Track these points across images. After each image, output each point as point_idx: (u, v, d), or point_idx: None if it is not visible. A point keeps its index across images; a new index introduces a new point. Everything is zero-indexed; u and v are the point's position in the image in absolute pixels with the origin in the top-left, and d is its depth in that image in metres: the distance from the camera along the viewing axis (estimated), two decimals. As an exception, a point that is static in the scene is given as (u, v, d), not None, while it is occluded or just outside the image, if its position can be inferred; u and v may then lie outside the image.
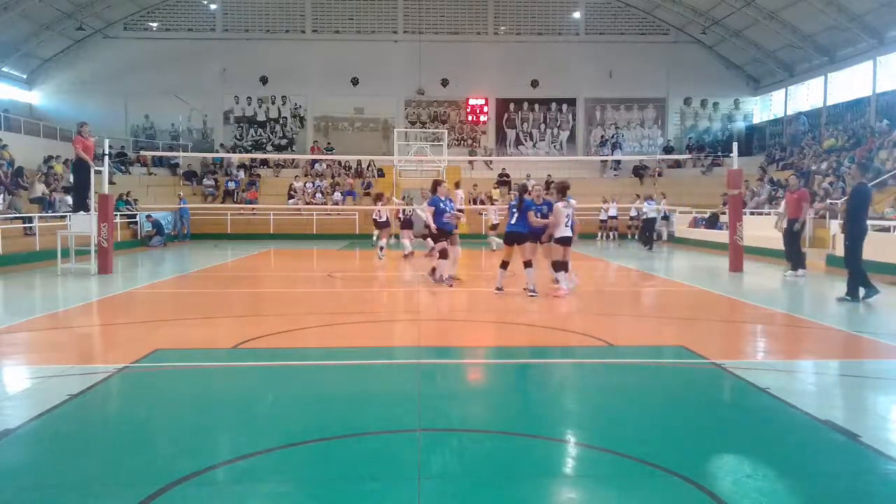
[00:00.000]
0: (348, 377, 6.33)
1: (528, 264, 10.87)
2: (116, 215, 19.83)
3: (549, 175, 31.70)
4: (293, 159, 33.05)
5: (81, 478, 3.96)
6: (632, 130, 35.06)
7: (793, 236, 14.12)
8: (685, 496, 3.73)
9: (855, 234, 10.61)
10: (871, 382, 6.09)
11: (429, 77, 33.67)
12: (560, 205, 10.98)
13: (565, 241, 11.02)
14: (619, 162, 33.16)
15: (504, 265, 11.32)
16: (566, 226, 10.96)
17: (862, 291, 10.49)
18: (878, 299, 10.36)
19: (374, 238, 21.31)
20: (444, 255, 12.14)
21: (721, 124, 35.08)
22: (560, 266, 11.04)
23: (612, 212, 27.45)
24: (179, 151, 32.04)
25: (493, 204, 26.02)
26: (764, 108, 34.50)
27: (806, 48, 28.81)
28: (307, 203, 29.75)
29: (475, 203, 28.13)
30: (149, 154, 29.77)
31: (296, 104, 34.36)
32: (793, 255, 14.04)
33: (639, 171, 32.53)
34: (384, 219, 18.75)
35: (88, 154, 14.91)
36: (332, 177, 31.95)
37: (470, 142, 34.62)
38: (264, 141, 34.40)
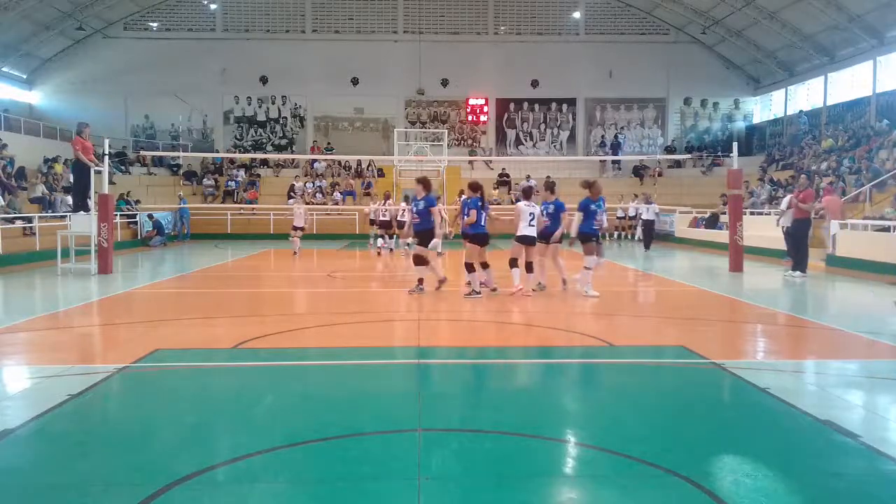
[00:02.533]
0: (348, 377, 6.33)
1: (484, 265, 11.00)
2: (116, 215, 19.85)
3: (549, 176, 31.76)
4: (293, 159, 33.05)
5: (81, 478, 3.96)
6: (632, 130, 35.06)
7: (799, 236, 14.10)
8: (685, 496, 3.72)
9: None
10: (871, 382, 6.09)
11: (429, 77, 33.67)
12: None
13: (480, 241, 10.92)
14: (618, 162, 33.14)
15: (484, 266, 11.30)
16: (481, 224, 10.94)
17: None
18: (877, 298, 10.33)
19: (373, 238, 21.51)
20: (470, 268, 11.18)
21: (721, 124, 35.08)
22: (470, 268, 10.88)
23: (620, 212, 27.45)
24: (179, 151, 32.04)
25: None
26: (764, 108, 34.50)
27: (806, 48, 28.81)
28: (307, 203, 29.73)
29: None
30: (149, 154, 29.75)
31: (296, 104, 34.36)
32: (798, 255, 14.01)
33: (639, 171, 32.53)
34: (387, 218, 19.97)
35: (87, 155, 14.91)
36: (332, 177, 31.94)
37: (470, 142, 34.62)
38: (264, 141, 34.40)
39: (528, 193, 11.30)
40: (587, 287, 11.00)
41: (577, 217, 11.18)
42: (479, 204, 10.96)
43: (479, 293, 10.75)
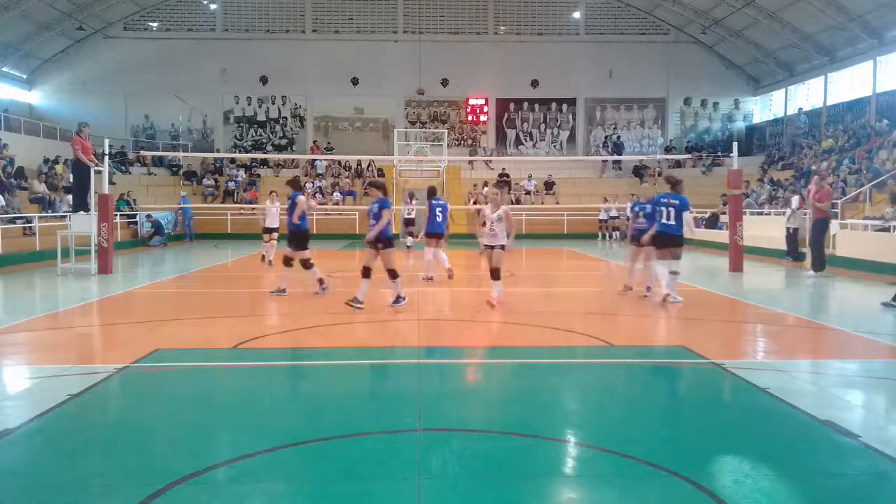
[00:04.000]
0: (348, 377, 6.33)
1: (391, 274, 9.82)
2: (116, 215, 19.84)
3: (550, 175, 31.81)
4: (293, 159, 33.06)
5: (81, 478, 3.96)
6: (632, 130, 35.07)
7: (819, 237, 14.04)
8: (685, 496, 3.72)
9: None
10: (871, 382, 6.09)
11: (429, 77, 33.66)
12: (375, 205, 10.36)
13: (378, 244, 9.82)
14: (619, 162, 33.15)
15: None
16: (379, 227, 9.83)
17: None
18: (876, 298, 10.32)
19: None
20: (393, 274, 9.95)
21: (721, 124, 35.08)
22: (392, 274, 9.85)
23: (614, 212, 27.48)
24: (179, 151, 32.04)
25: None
26: (764, 108, 34.50)
27: (806, 48, 28.80)
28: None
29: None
30: (149, 154, 29.76)
31: (296, 104, 34.37)
32: (817, 255, 13.98)
33: (639, 171, 32.53)
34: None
35: (87, 155, 14.92)
36: (333, 176, 31.96)
37: (470, 142, 34.62)
38: (264, 141, 34.40)
39: (380, 189, 10.13)
40: (674, 293, 10.21)
41: (688, 218, 10.20)
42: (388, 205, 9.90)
43: (362, 305, 9.59)
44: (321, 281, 11.24)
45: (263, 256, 16.94)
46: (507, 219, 9.71)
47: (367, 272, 9.78)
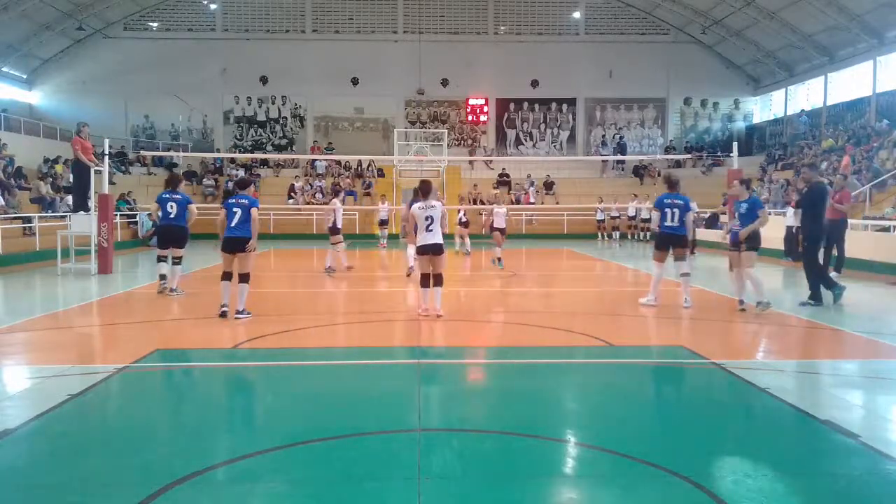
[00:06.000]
0: (348, 377, 6.33)
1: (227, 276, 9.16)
2: (116, 215, 19.84)
3: (549, 175, 31.81)
4: (293, 159, 33.06)
5: (81, 478, 3.96)
6: (632, 130, 35.07)
7: (836, 237, 13.86)
8: (685, 496, 3.72)
9: (814, 233, 10.21)
10: (871, 382, 6.09)
11: (429, 77, 33.67)
12: (191, 206, 11.13)
13: (229, 246, 9.09)
14: (622, 162, 33.15)
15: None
16: (231, 226, 9.01)
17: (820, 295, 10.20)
18: (876, 298, 10.32)
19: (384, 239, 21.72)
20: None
21: (721, 124, 35.08)
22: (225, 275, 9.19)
23: (614, 212, 27.50)
24: (179, 151, 32.03)
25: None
26: (764, 107, 34.50)
27: (806, 48, 28.81)
28: (307, 203, 29.73)
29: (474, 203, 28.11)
30: (149, 154, 29.75)
31: (296, 104, 34.37)
32: (838, 256, 13.82)
33: (639, 171, 32.56)
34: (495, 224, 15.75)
35: (87, 155, 14.93)
36: (333, 177, 31.96)
37: (470, 142, 34.62)
38: (264, 141, 34.41)
39: (426, 191, 9.07)
40: (688, 295, 9.99)
41: (689, 219, 10.02)
42: (233, 202, 9.04)
43: (228, 311, 8.87)
44: (162, 277, 11.56)
45: (331, 267, 14.77)
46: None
47: (227, 276, 9.16)
